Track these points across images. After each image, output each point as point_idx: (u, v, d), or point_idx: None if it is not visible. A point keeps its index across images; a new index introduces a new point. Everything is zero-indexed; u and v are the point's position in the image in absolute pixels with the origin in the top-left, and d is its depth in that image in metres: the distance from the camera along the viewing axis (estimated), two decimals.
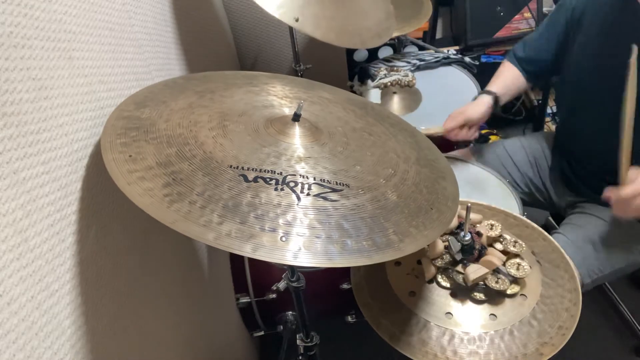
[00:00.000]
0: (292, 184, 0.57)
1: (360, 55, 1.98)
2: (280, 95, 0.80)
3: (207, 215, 0.50)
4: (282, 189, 0.56)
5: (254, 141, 0.64)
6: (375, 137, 0.77)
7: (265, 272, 1.16)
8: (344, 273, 1.14)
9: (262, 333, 1.26)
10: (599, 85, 1.12)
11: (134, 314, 0.69)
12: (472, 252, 0.82)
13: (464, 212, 0.82)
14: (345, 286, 1.14)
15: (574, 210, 1.27)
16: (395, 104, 1.51)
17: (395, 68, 1.59)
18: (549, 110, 2.33)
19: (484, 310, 0.79)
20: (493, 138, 2.24)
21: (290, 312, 1.18)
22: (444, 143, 1.47)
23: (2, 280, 0.43)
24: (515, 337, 0.75)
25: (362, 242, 0.54)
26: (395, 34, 1.63)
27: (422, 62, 1.71)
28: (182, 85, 0.75)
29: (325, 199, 0.57)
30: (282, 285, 0.80)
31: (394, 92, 1.53)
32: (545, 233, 0.92)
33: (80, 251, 0.57)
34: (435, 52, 1.82)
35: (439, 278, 0.83)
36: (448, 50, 1.89)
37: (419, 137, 0.84)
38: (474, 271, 0.79)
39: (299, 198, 0.55)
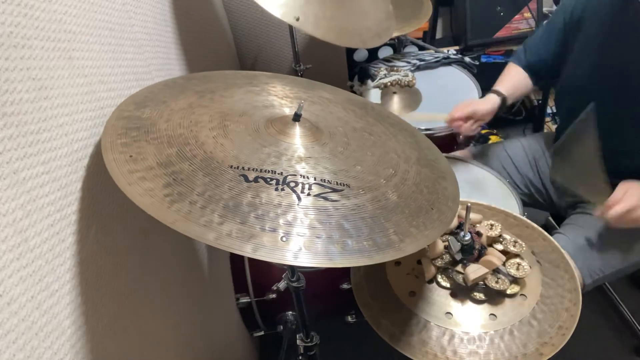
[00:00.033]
0: (292, 184, 0.57)
1: (360, 55, 1.98)
2: (280, 95, 0.80)
3: (207, 216, 0.50)
4: (282, 189, 0.56)
5: (254, 141, 0.64)
6: (375, 137, 0.77)
7: (266, 272, 1.16)
8: (344, 273, 1.14)
9: (262, 333, 1.26)
10: (599, 85, 1.12)
11: (134, 314, 0.69)
12: (472, 252, 0.82)
13: (463, 212, 0.82)
14: (345, 286, 1.14)
15: (575, 210, 1.27)
16: (395, 104, 1.51)
17: (395, 68, 1.59)
18: (549, 111, 2.33)
19: (484, 310, 0.79)
20: (493, 138, 2.25)
21: (290, 312, 1.18)
22: (444, 143, 1.48)
23: (2, 280, 0.43)
24: (515, 337, 0.75)
25: (363, 242, 0.54)
26: (395, 34, 1.63)
27: (422, 62, 1.71)
28: (182, 85, 0.75)
29: (325, 199, 0.57)
30: (282, 285, 0.80)
31: (394, 92, 1.53)
32: (545, 233, 0.92)
33: (80, 251, 0.57)
34: (435, 52, 1.82)
35: (439, 278, 0.83)
36: (448, 50, 1.89)
37: (419, 137, 0.84)
38: (474, 271, 0.79)
39: (299, 198, 0.55)
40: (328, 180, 0.60)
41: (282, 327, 1.19)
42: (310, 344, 0.90)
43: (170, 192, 0.51)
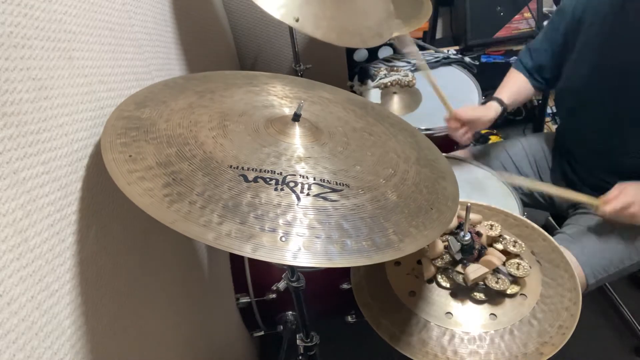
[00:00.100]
0: (292, 184, 0.57)
1: (360, 55, 1.98)
2: (280, 95, 0.80)
3: (207, 216, 0.50)
4: (282, 189, 0.56)
5: (254, 141, 0.64)
6: (375, 137, 0.77)
7: (265, 272, 1.16)
8: (343, 273, 1.14)
9: (262, 333, 1.26)
10: (599, 85, 1.12)
11: (134, 314, 0.69)
12: (471, 252, 0.82)
13: (463, 212, 0.82)
14: (345, 286, 1.14)
15: (577, 210, 1.27)
16: (395, 104, 1.51)
17: (395, 68, 1.59)
18: (549, 111, 2.33)
19: (484, 310, 0.79)
20: (493, 138, 2.25)
21: (290, 312, 1.18)
22: (444, 143, 1.48)
23: (2, 280, 0.43)
24: (515, 336, 0.75)
25: (362, 242, 0.54)
26: (395, 34, 1.62)
27: None
28: (182, 85, 0.75)
29: (325, 199, 0.57)
30: (282, 285, 0.80)
31: (394, 92, 1.53)
32: (545, 233, 0.92)
33: (80, 251, 0.57)
34: (435, 52, 1.82)
35: (439, 278, 0.83)
36: (448, 50, 1.89)
37: (419, 137, 0.84)
38: (474, 271, 0.79)
39: (298, 198, 0.55)
40: (327, 180, 0.60)
41: (282, 327, 1.19)
42: (310, 344, 0.90)
43: (170, 192, 0.51)
